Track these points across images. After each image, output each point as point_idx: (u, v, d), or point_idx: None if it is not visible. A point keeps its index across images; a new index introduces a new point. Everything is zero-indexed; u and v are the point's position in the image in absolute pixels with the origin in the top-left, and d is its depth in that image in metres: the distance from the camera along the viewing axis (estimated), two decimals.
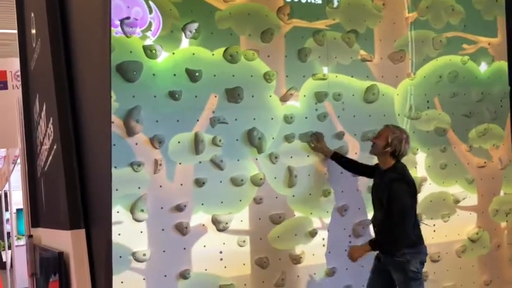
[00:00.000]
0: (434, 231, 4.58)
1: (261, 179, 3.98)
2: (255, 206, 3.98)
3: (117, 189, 3.55)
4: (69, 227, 3.91)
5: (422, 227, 3.83)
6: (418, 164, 4.55)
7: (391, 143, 3.64)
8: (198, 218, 3.82)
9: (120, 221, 3.58)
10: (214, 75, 3.89)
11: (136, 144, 3.65)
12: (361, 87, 4.36)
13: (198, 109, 3.84)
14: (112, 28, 3.50)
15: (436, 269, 4.58)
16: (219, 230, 3.87)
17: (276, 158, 4.04)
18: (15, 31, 6.57)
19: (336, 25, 4.30)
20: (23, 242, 8.33)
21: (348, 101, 4.31)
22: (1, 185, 9.32)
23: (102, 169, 3.55)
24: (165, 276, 3.72)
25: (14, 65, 7.49)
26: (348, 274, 4.24)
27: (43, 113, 5.09)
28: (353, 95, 4.33)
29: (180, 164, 3.78)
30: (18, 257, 8.08)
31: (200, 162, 3.84)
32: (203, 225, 3.84)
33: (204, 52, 3.87)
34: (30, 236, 5.91)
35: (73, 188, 4.02)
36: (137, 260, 3.63)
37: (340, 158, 4.12)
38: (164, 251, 3.72)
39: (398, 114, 4.48)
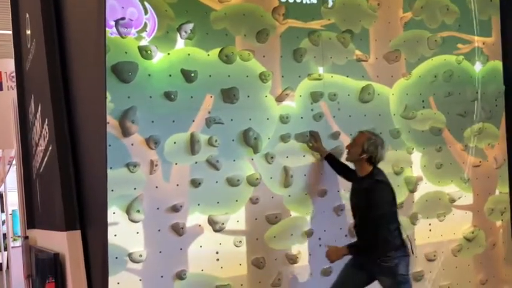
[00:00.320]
0: (430, 230, 4.59)
1: (257, 179, 3.99)
2: (251, 206, 3.98)
3: (112, 190, 3.54)
4: (64, 228, 3.91)
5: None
6: (414, 163, 4.56)
7: (367, 149, 3.62)
8: (194, 218, 3.82)
9: (116, 222, 3.57)
10: (210, 76, 3.89)
11: (132, 144, 3.64)
12: (357, 87, 4.37)
13: (193, 109, 3.84)
14: (107, 29, 3.50)
15: (432, 268, 4.59)
16: (215, 231, 3.87)
17: (272, 158, 4.04)
18: (10, 32, 6.56)
19: (331, 25, 4.31)
20: (18, 243, 8.30)
21: (343, 101, 4.32)
22: None
23: (98, 170, 3.55)
24: (162, 276, 3.72)
25: (8, 65, 7.48)
26: None
27: (38, 114, 5.08)
28: (348, 95, 4.34)
29: (176, 164, 3.78)
30: (14, 258, 8.06)
31: (196, 163, 3.84)
32: (199, 225, 3.84)
33: (199, 52, 3.87)
34: (26, 238, 5.90)
35: (68, 189, 4.01)
36: (133, 261, 3.62)
37: (333, 160, 4.12)
38: (160, 252, 3.72)
39: (394, 114, 4.49)
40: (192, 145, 3.81)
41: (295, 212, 4.13)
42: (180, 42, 3.82)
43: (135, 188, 3.64)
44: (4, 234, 10.66)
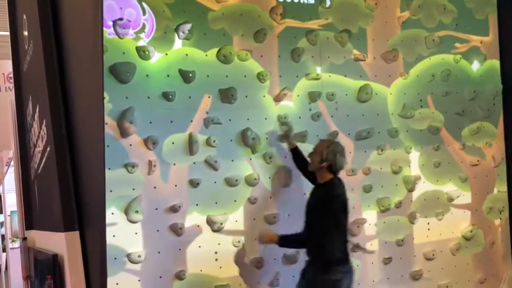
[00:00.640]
0: (428, 229, 4.60)
1: (255, 179, 3.99)
2: (250, 206, 3.98)
3: (111, 191, 3.54)
4: (63, 229, 3.90)
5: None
6: (412, 162, 4.56)
7: (326, 157, 3.58)
8: (193, 218, 3.82)
9: (114, 223, 3.57)
10: (208, 76, 3.89)
11: (130, 145, 3.64)
12: (355, 87, 4.37)
13: (191, 110, 3.84)
14: (105, 29, 3.50)
15: (430, 267, 4.60)
16: (214, 231, 3.87)
17: (270, 158, 4.04)
18: (8, 33, 6.56)
19: (328, 25, 4.31)
20: (17, 244, 8.31)
21: (341, 101, 4.32)
22: None
23: (96, 171, 3.55)
24: (160, 277, 3.72)
25: (6, 67, 7.48)
26: None
27: (36, 115, 5.07)
28: (346, 95, 4.35)
29: (174, 164, 3.78)
30: (13, 259, 8.06)
31: (194, 163, 3.84)
32: (198, 225, 3.84)
33: (197, 53, 3.87)
34: (25, 239, 5.90)
35: (67, 189, 4.01)
36: (132, 262, 3.62)
37: (296, 155, 4.00)
38: (159, 252, 3.71)
39: (392, 113, 4.50)
40: (190, 145, 3.81)
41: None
42: (178, 43, 3.82)
43: (133, 189, 3.64)
44: (3, 236, 10.66)
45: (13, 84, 6.60)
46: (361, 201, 4.35)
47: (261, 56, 4.06)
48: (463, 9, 4.83)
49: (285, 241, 3.71)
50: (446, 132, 4.72)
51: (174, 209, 3.74)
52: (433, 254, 4.60)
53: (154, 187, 3.72)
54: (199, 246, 3.83)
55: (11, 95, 6.81)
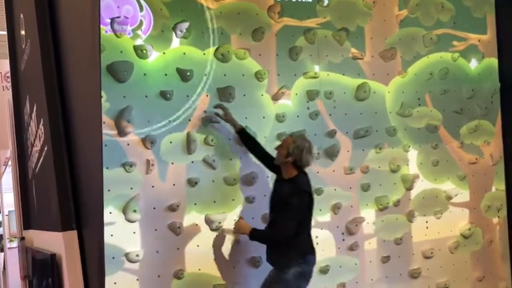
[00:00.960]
0: (427, 228, 4.60)
1: (254, 178, 3.98)
2: (248, 205, 3.98)
3: (109, 190, 3.54)
4: (61, 229, 3.90)
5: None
6: (410, 161, 4.56)
7: (292, 152, 3.57)
8: (191, 217, 3.81)
9: (112, 222, 3.57)
10: (206, 75, 3.89)
11: (128, 144, 3.64)
12: (353, 85, 4.37)
13: (189, 109, 3.84)
14: (102, 26, 3.49)
15: (429, 266, 4.60)
16: (212, 230, 3.86)
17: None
18: (5, 32, 6.55)
19: (326, 23, 4.30)
20: (15, 244, 8.30)
21: (339, 99, 4.31)
22: None
23: (94, 170, 3.54)
24: (159, 276, 3.71)
25: (3, 66, 7.47)
26: (341, 271, 4.25)
27: (33, 114, 5.06)
28: (344, 93, 4.34)
29: (172, 164, 3.77)
30: (11, 259, 8.05)
31: (192, 162, 3.83)
32: (196, 225, 3.83)
33: (195, 51, 3.87)
34: (22, 238, 5.89)
35: (64, 189, 4.01)
36: (130, 261, 3.61)
37: (245, 135, 3.88)
38: (157, 252, 3.71)
39: (390, 112, 4.50)
40: (188, 144, 3.80)
41: None
42: (176, 41, 3.82)
43: (131, 188, 3.63)
44: (0, 235, 10.64)
45: (10, 83, 6.59)
46: (360, 199, 4.34)
47: (259, 55, 4.06)
48: (461, 8, 4.83)
49: (258, 235, 3.65)
50: (445, 131, 4.72)
51: (172, 208, 3.74)
52: (432, 252, 4.60)
53: (152, 186, 3.71)
54: (198, 246, 3.82)
55: (8, 94, 6.80)
